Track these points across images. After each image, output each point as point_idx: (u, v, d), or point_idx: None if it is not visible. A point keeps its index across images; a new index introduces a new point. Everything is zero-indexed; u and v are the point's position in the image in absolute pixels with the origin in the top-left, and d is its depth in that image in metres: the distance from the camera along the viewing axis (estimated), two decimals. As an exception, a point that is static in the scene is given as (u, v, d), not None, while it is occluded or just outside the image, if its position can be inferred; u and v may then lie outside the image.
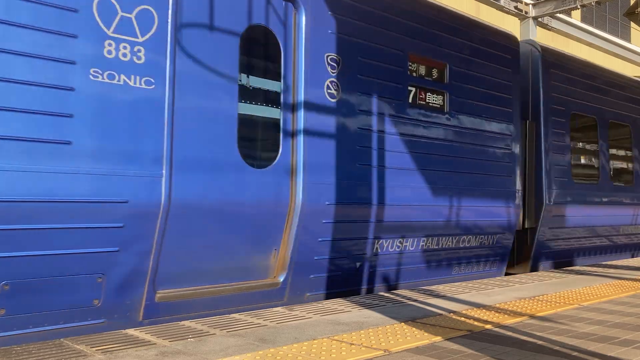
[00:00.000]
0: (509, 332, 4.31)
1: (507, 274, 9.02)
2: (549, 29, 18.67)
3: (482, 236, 8.22)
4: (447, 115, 7.65)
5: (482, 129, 8.19)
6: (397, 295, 5.92)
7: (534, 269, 9.47)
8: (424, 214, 7.29)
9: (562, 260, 10.10)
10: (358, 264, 6.68)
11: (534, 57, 9.67)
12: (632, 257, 12.22)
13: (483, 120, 8.22)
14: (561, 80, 9.98)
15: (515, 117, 8.76)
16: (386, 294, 5.95)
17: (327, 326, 4.42)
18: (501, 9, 16.66)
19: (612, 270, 8.44)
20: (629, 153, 12.05)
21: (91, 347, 3.71)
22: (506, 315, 4.90)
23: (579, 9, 14.94)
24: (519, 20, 17.03)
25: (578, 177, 10.26)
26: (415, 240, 7.29)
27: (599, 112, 10.96)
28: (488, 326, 4.48)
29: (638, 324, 4.62)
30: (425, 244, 7.41)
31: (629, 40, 27.44)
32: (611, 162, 11.35)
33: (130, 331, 4.19)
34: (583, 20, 23.99)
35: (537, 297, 5.86)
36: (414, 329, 4.37)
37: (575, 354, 3.70)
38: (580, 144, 10.64)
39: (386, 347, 3.80)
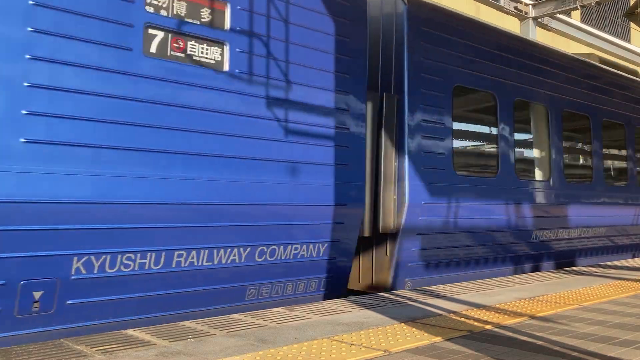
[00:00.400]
0: (509, 332, 4.31)
1: (354, 293, 7.17)
2: (548, 30, 18.70)
3: (297, 246, 6.08)
4: (227, 76, 5.51)
5: (292, 99, 5.99)
6: (397, 295, 5.92)
7: (397, 285, 7.19)
8: (180, 216, 5.17)
9: (442, 276, 7.76)
10: (38, 294, 4.51)
11: (398, 10, 7.35)
12: (550, 269, 9.48)
13: (295, 87, 6.01)
14: (439, 43, 7.68)
15: (357, 86, 6.62)
16: (386, 294, 5.95)
17: (327, 326, 4.42)
18: (501, 9, 16.69)
19: (612, 271, 8.43)
20: (545, 140, 9.53)
21: (91, 347, 3.71)
22: (506, 316, 4.89)
23: (578, 9, 14.97)
24: (519, 21, 17.06)
25: (465, 169, 8.02)
26: (165, 254, 5.11)
27: (500, 88, 8.55)
28: (488, 326, 4.48)
29: (638, 324, 4.62)
30: (184, 260, 5.24)
31: (628, 40, 27.48)
32: (517, 150, 8.85)
33: (130, 331, 4.19)
34: (583, 20, 24.02)
35: (537, 298, 5.85)
36: (413, 329, 4.37)
37: (575, 354, 3.70)
38: (470, 126, 8.36)
39: (386, 348, 3.80)
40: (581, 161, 10.73)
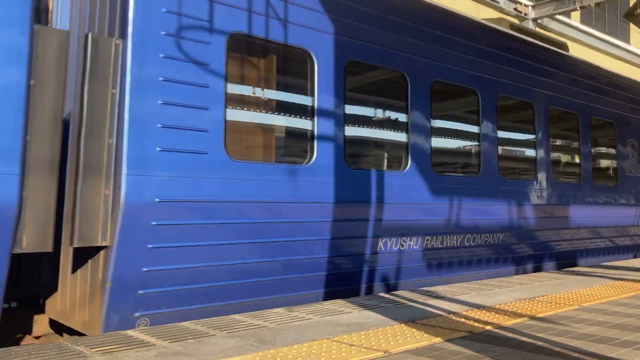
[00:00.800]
0: (509, 333, 4.31)
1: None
2: (548, 31, 18.71)
3: None
4: None
5: None
6: (397, 296, 5.92)
7: (116, 324, 4.83)
8: None
9: (214, 305, 5.39)
10: None
11: None
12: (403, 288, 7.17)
13: None
14: None
15: (6, 13, 4.27)
16: (386, 295, 5.95)
17: (327, 327, 4.42)
18: (501, 10, 16.71)
19: (612, 271, 8.43)
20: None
21: (91, 348, 3.71)
22: (506, 316, 4.89)
23: (578, 10, 14.98)
24: (518, 22, 17.06)
25: (245, 151, 5.77)
26: None
27: (319, 44, 6.12)
28: (488, 327, 4.48)
29: (638, 325, 4.61)
30: None
31: (628, 41, 27.50)
32: (348, 128, 6.39)
33: (130, 332, 4.19)
34: (582, 21, 24.04)
35: (537, 298, 5.85)
36: (414, 330, 4.36)
37: (575, 355, 3.70)
38: (258, 90, 5.94)
39: (386, 348, 3.80)
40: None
